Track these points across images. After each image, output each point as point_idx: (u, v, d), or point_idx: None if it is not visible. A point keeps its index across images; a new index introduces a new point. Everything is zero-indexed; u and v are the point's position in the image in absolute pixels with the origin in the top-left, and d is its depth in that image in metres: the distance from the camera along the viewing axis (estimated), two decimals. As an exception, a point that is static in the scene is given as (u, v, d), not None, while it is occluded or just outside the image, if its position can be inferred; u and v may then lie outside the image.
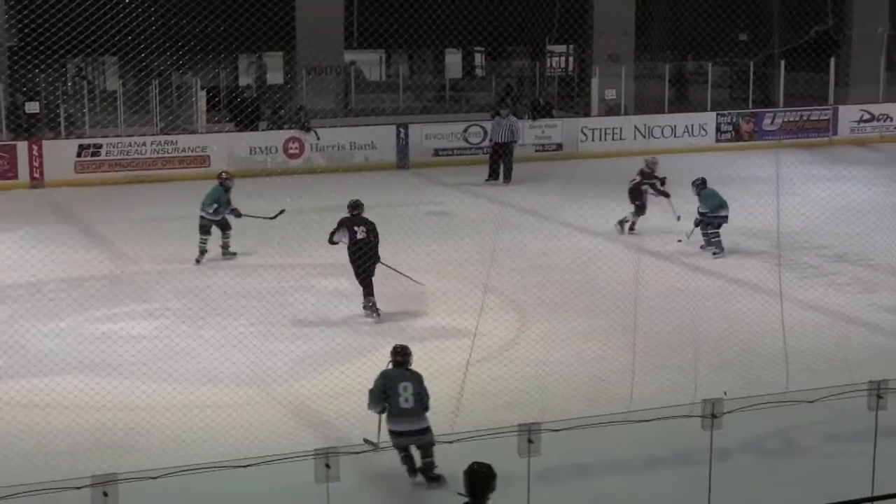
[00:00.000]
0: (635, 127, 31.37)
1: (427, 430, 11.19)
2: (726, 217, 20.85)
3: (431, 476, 11.17)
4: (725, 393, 11.67)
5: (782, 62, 32.72)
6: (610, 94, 32.85)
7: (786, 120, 32.38)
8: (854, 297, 17.72)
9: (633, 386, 13.25)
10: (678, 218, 21.44)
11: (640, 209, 22.28)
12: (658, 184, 22.20)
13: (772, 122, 32.29)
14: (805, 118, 32.61)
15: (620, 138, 31.25)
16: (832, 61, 33.33)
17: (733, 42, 34.48)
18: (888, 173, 28.11)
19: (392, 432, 11.21)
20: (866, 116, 33.03)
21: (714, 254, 20.64)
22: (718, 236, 20.77)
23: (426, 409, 11.29)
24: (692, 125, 31.87)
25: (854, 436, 11.43)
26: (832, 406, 10.51)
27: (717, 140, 31.69)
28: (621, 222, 22.27)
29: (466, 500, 7.91)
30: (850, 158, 30.04)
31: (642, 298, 16.04)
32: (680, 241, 21.05)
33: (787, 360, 13.95)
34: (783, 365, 13.88)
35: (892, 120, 33.15)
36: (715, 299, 17.84)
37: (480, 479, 7.90)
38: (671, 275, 19.20)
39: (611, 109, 32.71)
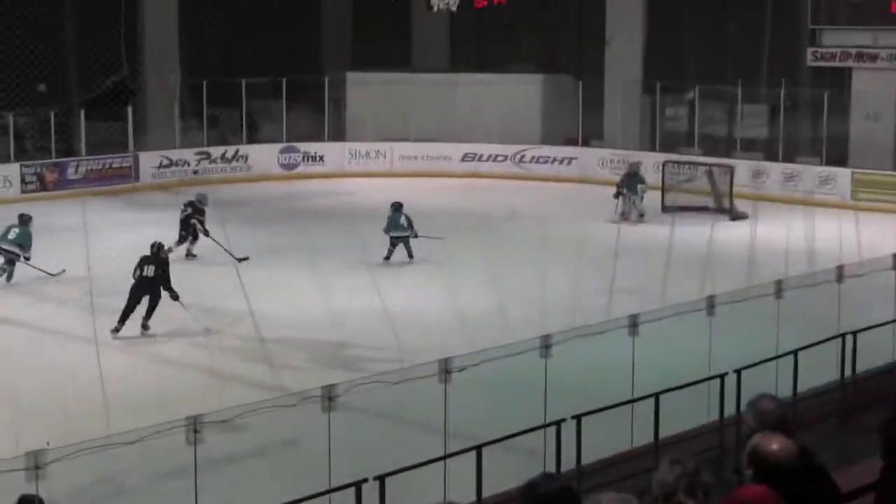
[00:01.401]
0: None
1: None
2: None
3: None
4: (48, 443, 11.69)
5: (82, 111, 32.83)
6: None
7: (89, 168, 32.51)
8: (168, 338, 18.41)
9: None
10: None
11: (193, 236, 23.80)
12: (203, 220, 23.69)
13: (76, 171, 32.29)
14: (108, 166, 32.90)
15: None
16: (129, 109, 33.92)
17: (33, 92, 34.16)
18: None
19: None
20: (166, 162, 33.91)
21: None
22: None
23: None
24: (-5, 178, 31.09)
25: (177, 471, 11.83)
26: (154, 445, 10.87)
27: (23, 191, 31.15)
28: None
29: None
30: (154, 203, 30.71)
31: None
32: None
33: (106, 405, 14.19)
34: (104, 410, 14.10)
35: (189, 164, 34.31)
36: (30, 352, 17.67)
37: None
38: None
39: None
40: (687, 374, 13.41)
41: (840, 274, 16.42)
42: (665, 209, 29.87)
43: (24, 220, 22.26)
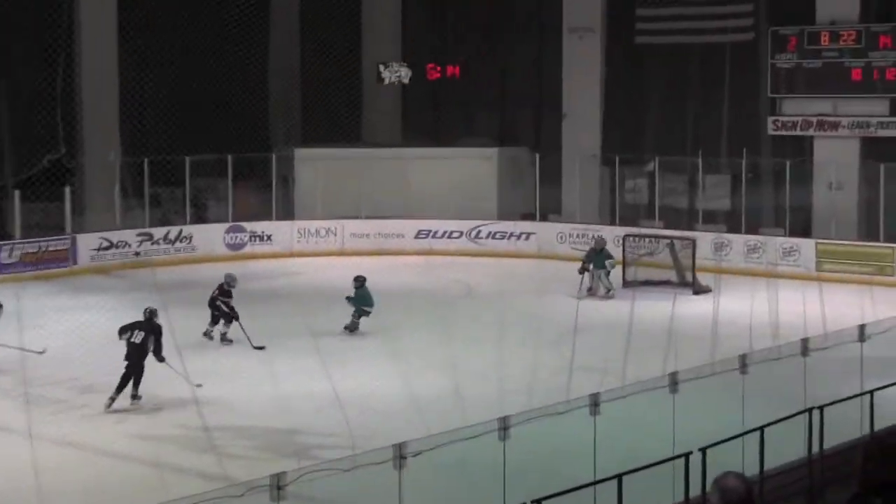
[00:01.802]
0: None
1: None
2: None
3: None
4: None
5: (17, 192, 31.87)
6: None
7: (25, 252, 31.52)
8: (108, 428, 17.76)
9: None
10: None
11: (219, 318, 23.34)
12: (230, 302, 23.33)
13: (10, 255, 31.26)
14: (44, 249, 31.91)
15: None
16: (67, 190, 33.00)
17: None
18: (132, 298, 28.00)
19: None
20: (105, 244, 32.95)
21: None
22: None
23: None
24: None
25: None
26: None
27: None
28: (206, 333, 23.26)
29: None
30: (93, 287, 29.74)
31: None
32: None
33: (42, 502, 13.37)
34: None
35: (130, 246, 33.37)
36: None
37: None
38: None
39: None
40: (650, 453, 13.09)
41: (805, 347, 16.34)
42: (626, 284, 29.62)
43: None
